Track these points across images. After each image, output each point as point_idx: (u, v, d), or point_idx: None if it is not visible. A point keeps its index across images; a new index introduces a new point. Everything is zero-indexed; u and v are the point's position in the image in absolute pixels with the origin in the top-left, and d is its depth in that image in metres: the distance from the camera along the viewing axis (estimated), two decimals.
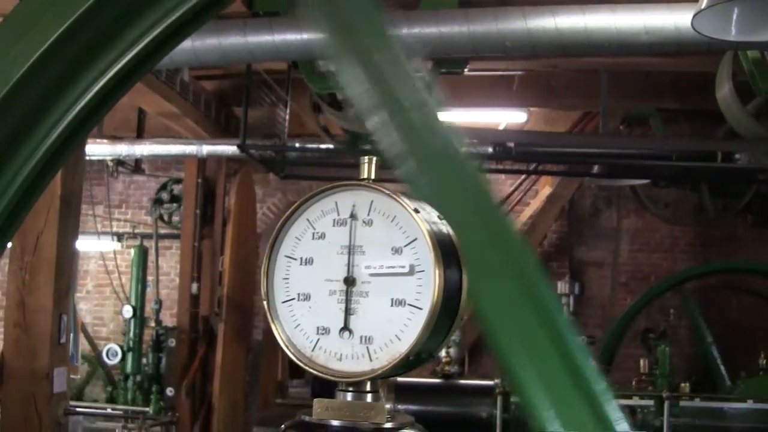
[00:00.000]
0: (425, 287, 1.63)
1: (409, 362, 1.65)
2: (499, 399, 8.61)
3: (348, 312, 1.68)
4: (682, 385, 9.26)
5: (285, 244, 1.76)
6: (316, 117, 9.30)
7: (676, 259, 13.86)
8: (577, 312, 12.12)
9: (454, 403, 9.02)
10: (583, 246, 14.23)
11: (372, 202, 1.71)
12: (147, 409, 9.30)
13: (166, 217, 13.03)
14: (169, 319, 12.68)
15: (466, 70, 9.72)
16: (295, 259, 1.75)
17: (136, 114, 11.64)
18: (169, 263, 13.85)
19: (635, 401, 9.10)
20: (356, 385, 1.69)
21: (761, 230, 13.37)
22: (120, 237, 13.29)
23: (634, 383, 10.08)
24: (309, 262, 1.74)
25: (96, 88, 1.08)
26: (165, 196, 12.83)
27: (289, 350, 1.72)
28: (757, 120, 8.64)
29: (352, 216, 1.72)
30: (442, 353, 9.30)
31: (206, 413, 11.79)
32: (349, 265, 1.70)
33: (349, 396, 1.70)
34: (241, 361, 12.89)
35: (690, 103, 10.79)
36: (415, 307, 1.64)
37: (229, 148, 10.36)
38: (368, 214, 1.71)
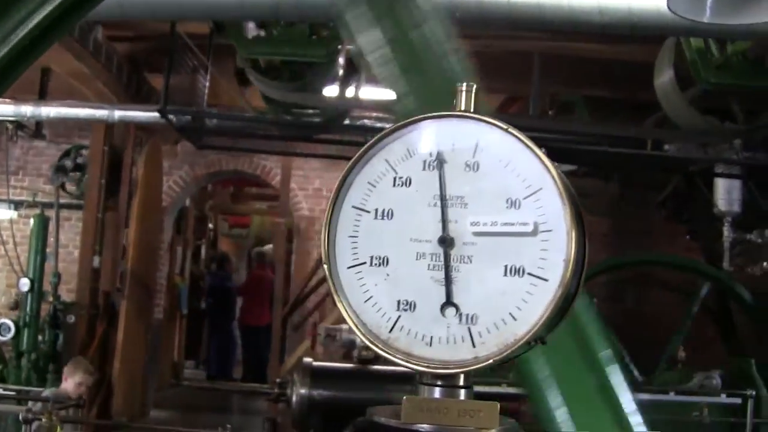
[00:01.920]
0: (552, 252, 1.24)
1: (528, 348, 1.26)
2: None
3: (449, 282, 1.28)
4: None
5: (354, 192, 1.34)
6: (238, 85, 8.77)
7: (590, 249, 13.78)
8: None
9: (373, 390, 8.66)
10: None
11: (479, 140, 1.30)
12: (42, 389, 8.68)
13: (68, 186, 12.25)
14: (66, 294, 11.93)
15: None
16: (368, 212, 1.32)
17: (39, 74, 10.88)
18: (68, 235, 13.09)
19: None
20: (449, 378, 1.29)
21: (674, 225, 13.43)
22: (17, 205, 12.46)
23: None
24: (387, 215, 1.32)
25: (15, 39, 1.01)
26: (68, 163, 12.04)
27: (360, 331, 1.30)
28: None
29: (450, 158, 1.31)
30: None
31: (105, 394, 11.15)
32: (445, 221, 1.29)
33: (438, 392, 1.29)
34: (142, 339, 12.31)
35: (621, 91, 10.65)
36: (538, 277, 1.24)
37: (143, 114, 9.72)
38: (473, 156, 1.30)
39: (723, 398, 7.96)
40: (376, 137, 1.33)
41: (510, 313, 1.25)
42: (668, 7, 5.13)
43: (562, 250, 1.24)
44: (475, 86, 1.35)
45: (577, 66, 10.32)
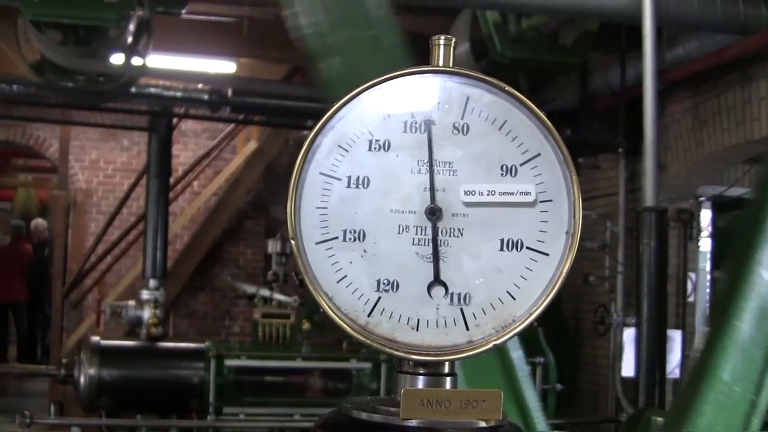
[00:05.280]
0: (554, 224, 1.14)
1: (527, 330, 1.14)
2: (212, 362, 8.03)
3: (437, 258, 1.14)
4: None
5: (322, 156, 1.17)
6: (20, 52, 8.09)
7: None
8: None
9: (164, 368, 8.32)
10: (279, 205, 13.96)
11: (468, 98, 1.17)
12: None
13: None
14: None
15: (184, 12, 8.97)
16: (339, 179, 1.16)
17: None
18: None
19: (352, 364, 8.89)
20: (434, 366, 1.16)
21: None
22: None
23: (344, 346, 9.91)
24: (363, 183, 1.16)
25: None
26: None
27: (335, 314, 1.14)
28: None
29: (436, 119, 1.17)
30: (147, 314, 8.57)
31: None
32: (434, 190, 1.14)
33: (421, 381, 1.16)
34: None
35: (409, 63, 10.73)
36: (538, 251, 1.13)
37: None
38: (462, 117, 1.16)
39: None
40: (349, 95, 1.16)
41: (508, 292, 1.13)
42: None
43: (563, 222, 1.13)
44: (453, 39, 1.21)
45: None
